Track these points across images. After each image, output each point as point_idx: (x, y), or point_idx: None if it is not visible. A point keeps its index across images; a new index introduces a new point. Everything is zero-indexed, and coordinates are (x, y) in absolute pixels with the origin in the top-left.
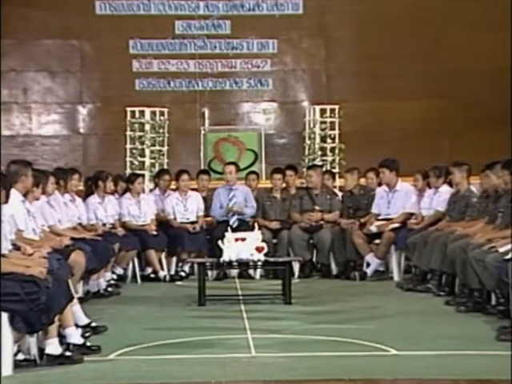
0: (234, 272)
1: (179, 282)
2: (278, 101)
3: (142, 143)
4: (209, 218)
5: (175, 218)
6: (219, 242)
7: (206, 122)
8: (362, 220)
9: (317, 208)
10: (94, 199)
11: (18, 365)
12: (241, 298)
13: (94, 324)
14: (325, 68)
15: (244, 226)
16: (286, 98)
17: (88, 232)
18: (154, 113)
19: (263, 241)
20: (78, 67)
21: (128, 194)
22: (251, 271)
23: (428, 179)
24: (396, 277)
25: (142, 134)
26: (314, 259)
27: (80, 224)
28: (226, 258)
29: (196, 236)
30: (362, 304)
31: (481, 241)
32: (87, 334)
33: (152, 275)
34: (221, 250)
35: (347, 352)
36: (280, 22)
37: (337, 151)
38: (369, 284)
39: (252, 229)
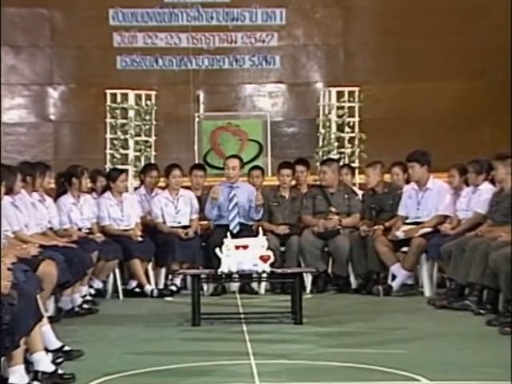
0: (235, 286)
1: (169, 298)
2: (286, 82)
3: (125, 132)
4: (204, 222)
5: (164, 222)
6: (217, 250)
7: (201, 107)
8: (387, 224)
9: (333, 210)
10: (67, 199)
11: None
12: (242, 316)
13: (66, 348)
14: (342, 43)
15: (246, 230)
16: (296, 79)
17: (60, 238)
18: (138, 96)
19: (269, 248)
20: (48, 41)
21: (108, 194)
22: (255, 285)
23: (466, 175)
24: (427, 292)
25: (124, 121)
26: (330, 270)
27: (51, 229)
28: (224, 268)
29: (189, 243)
30: (387, 324)
31: None
32: (59, 360)
33: (137, 289)
34: (219, 260)
35: (369, 381)
36: None
37: (356, 142)
38: (395, 300)
39: (256, 234)
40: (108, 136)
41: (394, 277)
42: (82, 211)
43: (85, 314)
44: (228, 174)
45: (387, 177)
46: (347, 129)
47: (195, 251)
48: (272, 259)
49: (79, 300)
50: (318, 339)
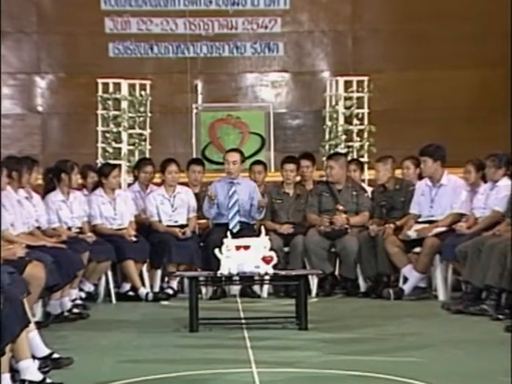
0: (235, 289)
1: (165, 302)
2: (290, 71)
3: (118, 125)
4: (203, 221)
5: (160, 221)
6: (216, 251)
7: (199, 97)
8: (398, 223)
9: (340, 208)
10: (55, 196)
11: None
12: (243, 321)
13: (55, 355)
14: (351, 29)
15: (248, 230)
16: (300, 68)
17: (49, 238)
18: (132, 86)
19: (272, 249)
20: (35, 27)
21: (100, 190)
22: (256, 288)
23: (483, 171)
24: (441, 295)
25: (117, 113)
26: (337, 272)
27: (38, 228)
28: (224, 270)
29: (186, 243)
30: (398, 330)
31: None
32: (47, 368)
33: (130, 293)
34: (218, 261)
35: None
36: None
37: (365, 135)
38: (407, 304)
39: (258, 234)
40: (99, 129)
41: (405, 279)
42: (71, 209)
43: (75, 319)
44: (228, 169)
45: (398, 172)
46: (356, 121)
47: (193, 252)
48: (275, 260)
49: (69, 304)
50: (325, 346)
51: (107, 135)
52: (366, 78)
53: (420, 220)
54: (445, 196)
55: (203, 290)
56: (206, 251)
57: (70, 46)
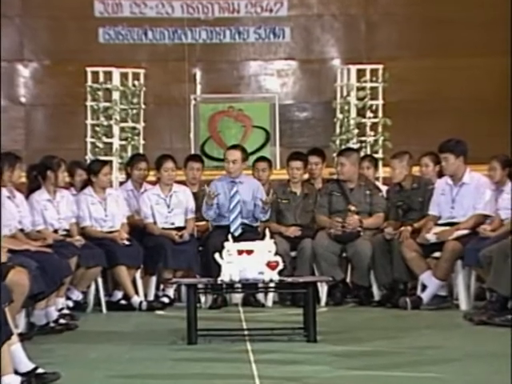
0: (237, 297)
1: (160, 312)
2: (297, 59)
3: (109, 118)
4: (202, 223)
5: (155, 223)
6: (216, 256)
7: (198, 88)
8: (416, 225)
9: (352, 208)
10: (40, 196)
11: None
12: (246, 333)
13: (40, 370)
14: (364, 12)
15: (251, 232)
16: (309, 55)
17: (33, 242)
18: (124, 75)
19: (277, 254)
20: (17, 10)
21: (89, 189)
22: (261, 296)
23: (509, 168)
24: (463, 305)
25: (108, 104)
26: (348, 279)
27: (22, 230)
28: (225, 277)
29: (184, 247)
30: (416, 343)
31: None
32: None
33: (122, 302)
34: (218, 267)
35: None
36: None
37: (380, 129)
38: (425, 315)
39: (262, 237)
40: (89, 122)
41: (423, 287)
42: (58, 210)
43: (61, 331)
44: (227, 168)
45: (416, 170)
46: (369, 113)
47: (191, 257)
48: (281, 266)
49: (55, 314)
50: (335, 360)
51: (97, 129)
52: (380, 67)
53: (440, 222)
54: (467, 196)
55: (202, 298)
56: (206, 256)
57: (56, 31)
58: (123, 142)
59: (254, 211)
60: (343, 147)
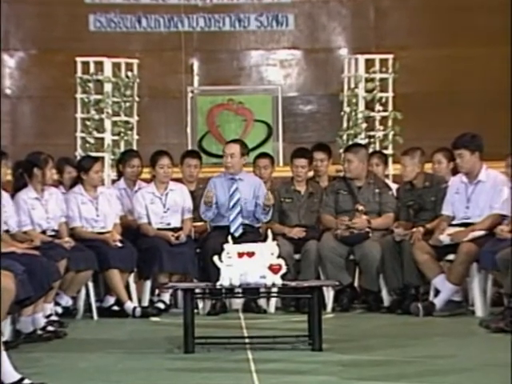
0: (238, 303)
1: (155, 318)
2: (302, 48)
3: (101, 111)
4: (200, 223)
5: (150, 223)
6: (215, 259)
7: (196, 79)
8: (428, 226)
9: (360, 208)
10: (27, 194)
11: None
12: (247, 341)
13: (27, 381)
14: None
15: (252, 233)
16: (314, 44)
17: (19, 244)
18: (117, 66)
19: (280, 256)
20: None
21: (79, 188)
22: (262, 302)
23: None
24: (479, 311)
25: (99, 97)
26: (356, 284)
27: (7, 231)
28: (225, 281)
29: (180, 249)
30: (428, 351)
31: None
32: None
33: (115, 308)
34: (217, 271)
35: None
36: None
37: (390, 123)
38: (438, 322)
39: (264, 238)
40: (79, 115)
41: (437, 292)
42: (46, 209)
43: (50, 339)
44: (225, 162)
45: (428, 167)
46: (378, 106)
47: (188, 259)
48: (284, 269)
49: (42, 321)
50: (342, 370)
51: (87, 123)
52: (390, 56)
53: (454, 222)
54: (483, 194)
55: (200, 304)
56: (204, 259)
57: (43, 18)
58: (115, 137)
59: (255, 211)
60: (350, 143)
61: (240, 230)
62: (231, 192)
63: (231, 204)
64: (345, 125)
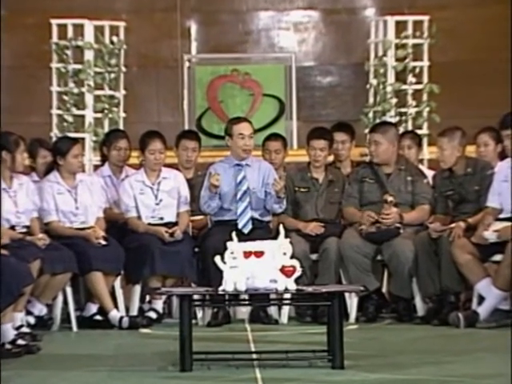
0: (244, 312)
1: (146, 330)
2: (320, 8)
3: (81, 84)
4: (199, 217)
5: (139, 217)
6: (217, 259)
7: (193, 46)
8: (471, 220)
9: (389, 199)
10: None
11: None
12: (255, 357)
13: None
14: None
15: (261, 229)
16: (334, 4)
17: None
18: (100, 29)
19: (294, 256)
20: None
21: (55, 175)
22: (273, 310)
23: None
24: None
25: (79, 66)
26: (384, 289)
27: None
28: (228, 286)
29: (176, 248)
30: (471, 369)
31: None
32: None
33: (98, 317)
34: (220, 273)
35: None
36: None
37: (425, 98)
38: (483, 334)
39: (275, 235)
40: (54, 89)
41: (481, 299)
42: (15, 201)
43: (20, 354)
44: (243, 146)
45: (471, 150)
46: (411, 78)
47: (185, 260)
48: (299, 272)
49: (12, 333)
50: None
51: (65, 98)
52: (425, 18)
53: (502, 217)
54: None
55: (199, 313)
56: (203, 259)
57: None
58: (98, 115)
59: (265, 202)
60: (378, 121)
61: (250, 226)
62: (238, 180)
63: (239, 195)
64: (371, 100)
